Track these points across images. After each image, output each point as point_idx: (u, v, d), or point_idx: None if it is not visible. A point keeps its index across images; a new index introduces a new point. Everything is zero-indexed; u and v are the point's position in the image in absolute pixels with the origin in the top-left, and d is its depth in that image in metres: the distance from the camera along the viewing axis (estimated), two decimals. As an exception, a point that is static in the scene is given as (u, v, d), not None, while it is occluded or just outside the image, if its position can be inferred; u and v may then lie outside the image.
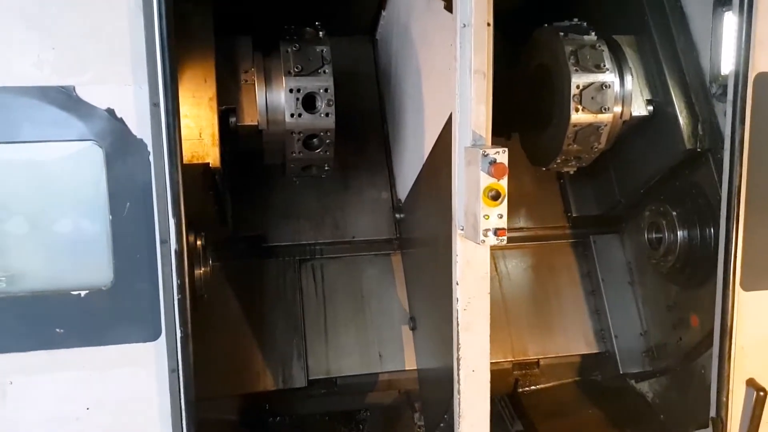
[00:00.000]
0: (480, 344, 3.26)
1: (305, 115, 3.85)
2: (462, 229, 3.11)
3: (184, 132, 3.51)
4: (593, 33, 4.19)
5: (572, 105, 4.04)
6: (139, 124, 2.80)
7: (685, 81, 4.06)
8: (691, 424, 4.02)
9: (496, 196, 2.86)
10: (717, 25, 3.77)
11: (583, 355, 4.97)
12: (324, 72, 3.86)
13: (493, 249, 5.01)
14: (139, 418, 3.01)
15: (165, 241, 2.84)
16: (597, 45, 4.14)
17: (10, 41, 2.72)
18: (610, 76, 4.08)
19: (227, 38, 3.91)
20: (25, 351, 2.90)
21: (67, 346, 2.92)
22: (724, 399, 3.55)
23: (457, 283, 3.18)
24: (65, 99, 2.76)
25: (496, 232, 2.90)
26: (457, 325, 3.22)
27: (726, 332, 3.52)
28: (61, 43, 2.75)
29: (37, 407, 2.95)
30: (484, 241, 2.91)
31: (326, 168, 4.19)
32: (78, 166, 2.88)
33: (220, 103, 3.70)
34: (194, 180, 3.63)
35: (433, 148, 3.66)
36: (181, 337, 2.90)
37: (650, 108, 4.24)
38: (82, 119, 2.78)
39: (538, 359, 4.91)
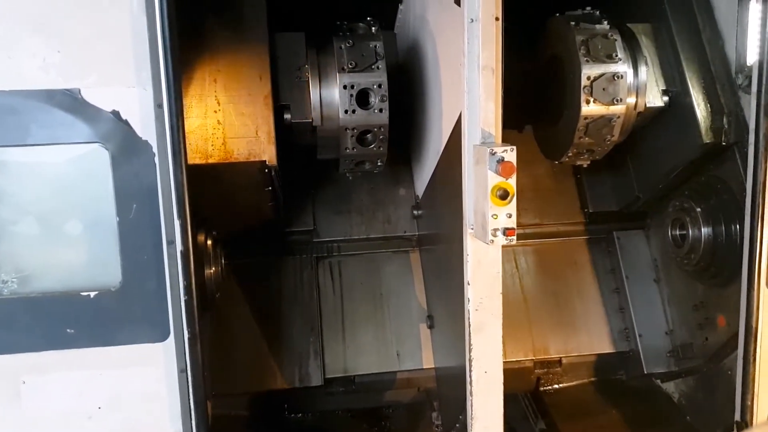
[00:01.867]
0: (492, 345, 3.20)
1: (359, 111, 3.84)
2: (473, 229, 3.05)
3: (240, 130, 3.55)
4: (606, 22, 4.08)
5: (583, 96, 3.94)
6: (144, 126, 2.81)
7: (705, 71, 3.93)
8: (718, 426, 3.91)
9: (504, 195, 2.80)
10: (743, 14, 3.65)
11: (606, 354, 4.86)
12: (377, 68, 3.84)
13: (513, 246, 4.97)
14: (150, 416, 3.04)
15: (171, 242, 2.85)
16: (609, 34, 4.02)
17: (17, 45, 2.75)
18: (622, 67, 3.96)
19: (280, 35, 3.92)
20: (37, 351, 2.94)
21: (79, 346, 2.95)
22: (749, 403, 3.44)
23: (468, 283, 3.13)
24: (71, 102, 2.78)
25: (505, 231, 2.84)
26: (469, 325, 3.17)
27: (751, 334, 3.42)
28: (66, 46, 2.77)
29: (50, 406, 3.00)
30: (492, 240, 2.85)
31: (379, 163, 4.19)
32: (85, 168, 2.91)
33: (274, 100, 3.71)
34: (251, 177, 3.66)
35: (446, 144, 3.60)
36: (189, 338, 2.91)
37: (666, 99, 4.10)
38: (87, 122, 2.80)
39: (560, 358, 4.81)
